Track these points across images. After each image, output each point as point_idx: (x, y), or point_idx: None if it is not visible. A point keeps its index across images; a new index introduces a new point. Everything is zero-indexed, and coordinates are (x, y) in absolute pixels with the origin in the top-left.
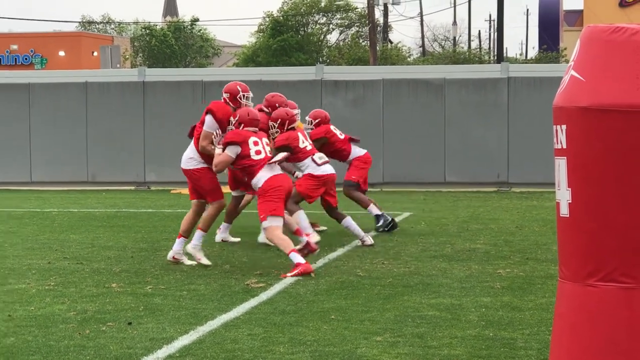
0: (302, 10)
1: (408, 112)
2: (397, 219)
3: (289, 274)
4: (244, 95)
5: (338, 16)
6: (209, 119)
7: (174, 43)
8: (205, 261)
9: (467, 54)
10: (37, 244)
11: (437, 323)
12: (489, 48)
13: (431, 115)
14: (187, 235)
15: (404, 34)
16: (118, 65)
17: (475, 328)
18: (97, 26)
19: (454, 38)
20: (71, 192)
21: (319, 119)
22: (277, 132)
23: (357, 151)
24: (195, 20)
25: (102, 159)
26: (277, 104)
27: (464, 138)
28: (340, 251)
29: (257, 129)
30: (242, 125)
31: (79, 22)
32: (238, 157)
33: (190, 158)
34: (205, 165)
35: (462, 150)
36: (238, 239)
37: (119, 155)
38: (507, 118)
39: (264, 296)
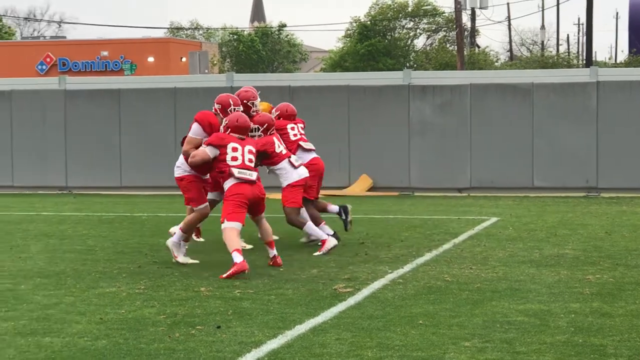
0: (389, 15)
1: (496, 117)
2: (484, 224)
3: (224, 275)
4: (234, 109)
5: (425, 21)
6: (195, 126)
7: (261, 48)
8: (182, 259)
9: (555, 58)
10: (128, 248)
11: (526, 329)
12: (578, 52)
13: (519, 119)
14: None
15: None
16: (206, 71)
17: (565, 334)
18: (185, 32)
19: (542, 42)
20: (159, 196)
21: (266, 124)
22: (259, 135)
23: (305, 157)
24: (282, 26)
25: None
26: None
27: (552, 143)
28: (427, 256)
29: (244, 136)
30: (229, 130)
31: (168, 28)
32: (215, 159)
33: (177, 167)
34: (192, 173)
35: (550, 155)
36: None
37: None
38: (596, 122)
39: (351, 301)
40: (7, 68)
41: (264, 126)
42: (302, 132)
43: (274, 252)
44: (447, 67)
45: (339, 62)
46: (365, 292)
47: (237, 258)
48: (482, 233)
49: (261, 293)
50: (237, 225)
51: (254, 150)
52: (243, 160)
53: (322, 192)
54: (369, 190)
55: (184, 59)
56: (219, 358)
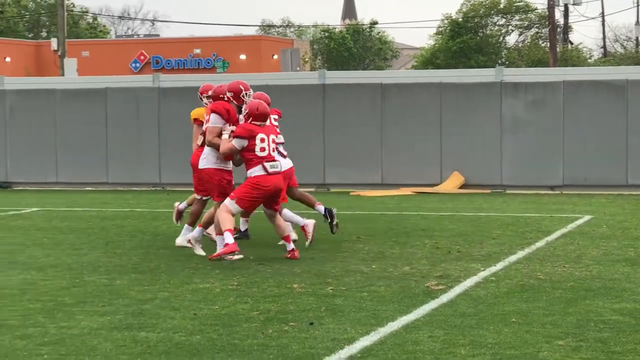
0: (481, 11)
1: (589, 114)
2: (577, 222)
3: (214, 255)
4: (246, 94)
5: (517, 17)
6: (214, 116)
7: (353, 46)
8: (200, 252)
9: None
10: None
11: (621, 328)
12: None
13: (613, 116)
14: (207, 226)
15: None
16: (298, 68)
17: None
18: (277, 30)
19: (637, 38)
20: None
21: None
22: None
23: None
24: (374, 23)
25: None
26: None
27: None
28: (520, 254)
29: (264, 122)
30: (251, 118)
31: (259, 26)
32: (244, 149)
33: (203, 158)
34: (216, 167)
35: None
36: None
37: (299, 157)
38: None
39: (444, 298)
40: (102, 66)
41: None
42: (276, 123)
43: (291, 245)
44: (540, 64)
45: (430, 59)
46: (458, 289)
47: (229, 239)
48: (575, 231)
49: (353, 290)
50: (238, 211)
51: (276, 139)
52: (269, 151)
53: (415, 189)
54: (461, 187)
55: (275, 57)
56: (311, 354)
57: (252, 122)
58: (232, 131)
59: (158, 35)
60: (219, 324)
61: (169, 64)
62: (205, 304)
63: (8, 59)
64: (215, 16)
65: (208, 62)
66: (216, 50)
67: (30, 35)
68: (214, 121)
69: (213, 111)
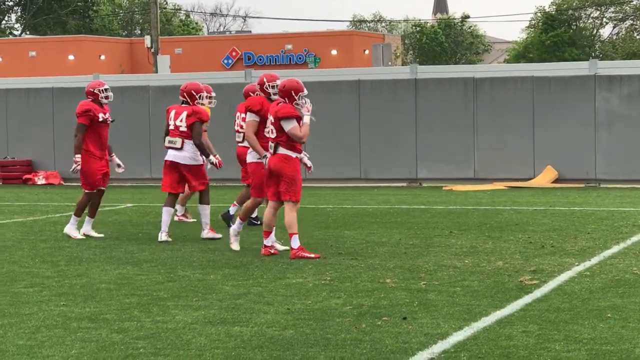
0: (574, 4)
1: None
2: None
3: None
4: (269, 85)
5: (612, 9)
6: (251, 113)
7: (444, 40)
8: (235, 247)
9: None
10: (313, 239)
11: None
12: None
13: None
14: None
15: None
16: (390, 63)
17: None
18: (368, 25)
19: None
20: (344, 188)
21: None
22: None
23: None
24: (465, 17)
25: (374, 156)
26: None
27: None
28: (615, 249)
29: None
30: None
31: (350, 21)
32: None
33: (250, 152)
34: (260, 161)
35: None
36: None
37: (392, 152)
38: None
39: (537, 293)
40: (194, 63)
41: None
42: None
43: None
44: (635, 56)
45: (522, 53)
46: (552, 284)
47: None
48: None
49: (446, 285)
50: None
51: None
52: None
53: (508, 183)
54: (554, 182)
55: (367, 52)
56: (405, 349)
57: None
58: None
59: (250, 31)
60: (312, 318)
61: (260, 60)
62: (299, 298)
63: (103, 57)
64: (306, 12)
65: (300, 58)
66: (308, 46)
67: (124, 33)
68: (252, 117)
69: (249, 107)
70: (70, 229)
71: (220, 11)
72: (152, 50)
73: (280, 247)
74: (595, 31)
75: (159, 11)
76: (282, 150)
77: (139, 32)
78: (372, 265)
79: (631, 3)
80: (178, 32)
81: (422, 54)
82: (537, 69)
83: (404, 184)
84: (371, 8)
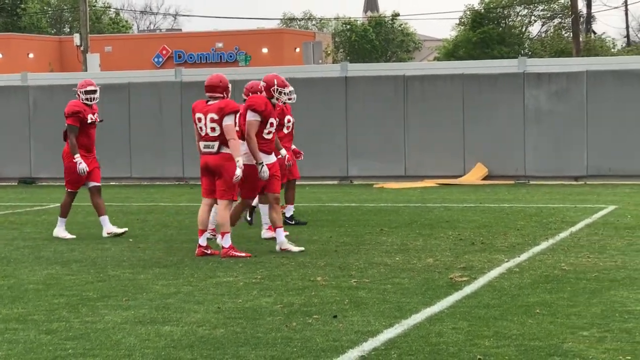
0: (503, 2)
1: (613, 104)
2: (601, 213)
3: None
4: (277, 89)
5: (540, 7)
6: (251, 113)
7: (375, 38)
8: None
9: None
10: (244, 238)
11: None
12: None
13: (637, 106)
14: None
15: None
16: (320, 61)
17: None
18: (298, 23)
19: None
20: None
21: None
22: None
23: None
24: (396, 15)
25: (305, 154)
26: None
27: None
28: (544, 245)
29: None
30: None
31: (281, 19)
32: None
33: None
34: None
35: None
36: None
37: (322, 150)
38: None
39: (467, 290)
40: (124, 61)
41: None
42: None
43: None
44: (563, 54)
45: (452, 51)
46: (481, 280)
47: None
48: (599, 221)
49: (377, 282)
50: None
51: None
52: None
53: (438, 180)
54: (484, 178)
55: (297, 50)
56: (335, 347)
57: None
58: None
59: (180, 29)
60: (242, 317)
61: (191, 58)
62: (229, 297)
63: (31, 55)
64: (237, 10)
65: (230, 56)
66: (238, 44)
67: (53, 31)
68: (254, 116)
69: (252, 106)
70: (59, 231)
71: (150, 9)
72: (82, 48)
73: (294, 249)
74: (524, 29)
75: (88, 9)
76: (225, 150)
77: (68, 30)
78: (302, 264)
79: (559, 1)
80: (108, 30)
81: (352, 52)
82: (467, 66)
83: (335, 182)
84: (302, 6)
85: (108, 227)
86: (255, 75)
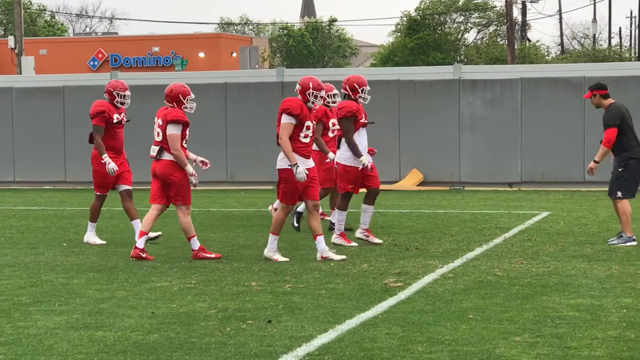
0: (439, 9)
1: (547, 111)
2: (535, 219)
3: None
4: (312, 93)
5: (476, 15)
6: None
7: (312, 43)
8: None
9: (607, 51)
10: (179, 242)
11: (577, 324)
12: (630, 45)
13: (570, 114)
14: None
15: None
16: (257, 66)
17: (617, 329)
18: (235, 27)
19: (594, 35)
20: (210, 191)
21: None
22: None
23: None
24: (333, 21)
25: (241, 159)
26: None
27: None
28: (478, 251)
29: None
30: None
31: (218, 24)
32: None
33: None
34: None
35: None
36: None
37: (258, 154)
38: None
39: (402, 295)
40: (60, 64)
41: None
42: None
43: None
44: (498, 61)
45: (389, 57)
46: (416, 286)
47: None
48: (532, 227)
49: (312, 288)
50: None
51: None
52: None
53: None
54: (419, 184)
55: (234, 54)
56: (269, 352)
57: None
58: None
59: (116, 33)
60: (176, 322)
61: (127, 62)
62: (163, 302)
63: None
64: (174, 14)
65: (167, 60)
66: (175, 49)
67: None
68: (289, 119)
69: (290, 109)
70: (89, 237)
71: (86, 12)
72: (16, 51)
73: (336, 257)
74: (460, 36)
75: (22, 12)
76: (167, 156)
77: (2, 32)
78: (237, 269)
79: (494, 8)
80: (43, 33)
81: (289, 57)
82: (403, 72)
83: (270, 187)
84: (239, 11)
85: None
86: (192, 79)
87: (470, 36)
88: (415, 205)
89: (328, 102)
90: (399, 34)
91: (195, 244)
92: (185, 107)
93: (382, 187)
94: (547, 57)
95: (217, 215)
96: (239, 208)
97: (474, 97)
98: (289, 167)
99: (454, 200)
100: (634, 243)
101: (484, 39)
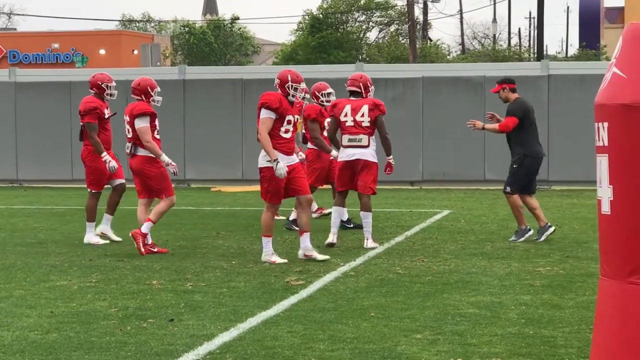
0: (341, 8)
1: (448, 110)
2: (436, 217)
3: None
4: (291, 86)
5: (377, 14)
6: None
7: (213, 41)
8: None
9: (506, 51)
10: (79, 241)
11: (477, 321)
12: (529, 46)
13: (471, 113)
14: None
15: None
16: (158, 64)
17: (515, 326)
18: (137, 24)
19: (494, 36)
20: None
21: None
22: None
23: None
24: (235, 19)
25: None
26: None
27: (504, 136)
28: (380, 249)
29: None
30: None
31: (119, 21)
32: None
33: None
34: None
35: (501, 148)
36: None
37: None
38: (547, 116)
39: (303, 293)
40: None
41: None
42: None
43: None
44: (399, 60)
45: (290, 55)
46: (317, 284)
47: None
48: (433, 226)
49: (213, 286)
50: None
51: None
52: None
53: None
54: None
55: (135, 52)
56: (170, 351)
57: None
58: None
59: (15, 29)
60: (76, 321)
61: (26, 58)
62: (63, 301)
63: None
64: (74, 10)
65: (67, 57)
66: (75, 45)
67: None
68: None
69: (268, 103)
70: (90, 238)
71: None
72: None
73: (319, 257)
74: (362, 35)
75: None
76: (141, 152)
77: None
78: (138, 267)
79: (396, 8)
80: None
81: (191, 54)
82: (305, 70)
83: (173, 185)
84: (140, 8)
85: (104, 227)
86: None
87: (372, 35)
88: (318, 203)
89: (322, 101)
90: (301, 32)
91: (146, 227)
92: (153, 100)
93: None
94: (448, 57)
95: (118, 214)
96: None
97: (376, 96)
98: (270, 165)
99: (356, 198)
100: (531, 232)
101: (386, 38)
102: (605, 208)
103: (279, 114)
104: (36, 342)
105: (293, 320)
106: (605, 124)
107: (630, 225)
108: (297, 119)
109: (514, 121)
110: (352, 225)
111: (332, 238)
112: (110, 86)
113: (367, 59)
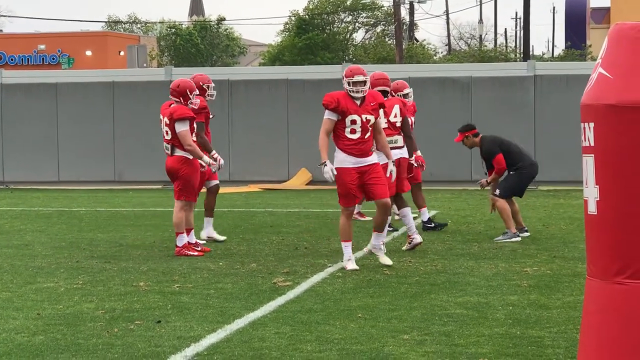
0: (327, 8)
1: (434, 111)
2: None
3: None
4: (346, 81)
5: (364, 15)
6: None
7: (200, 42)
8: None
9: (493, 52)
10: (65, 242)
11: (464, 321)
12: (515, 46)
13: (457, 113)
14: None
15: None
16: (145, 65)
17: (503, 326)
18: (123, 26)
19: (480, 36)
20: (98, 191)
21: None
22: None
23: None
24: (221, 20)
25: (129, 158)
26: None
27: None
28: (367, 249)
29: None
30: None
31: (106, 22)
32: None
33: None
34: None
35: None
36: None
37: (146, 154)
38: (533, 116)
39: (291, 294)
40: None
41: None
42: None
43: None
44: (386, 60)
45: (277, 56)
46: (305, 285)
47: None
48: (420, 226)
49: (200, 287)
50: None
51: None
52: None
53: (263, 185)
54: (308, 184)
55: (122, 53)
56: (157, 353)
57: None
58: None
59: (1, 30)
60: (63, 323)
61: (12, 59)
62: (49, 303)
63: None
64: (60, 12)
65: (53, 58)
66: (61, 46)
67: None
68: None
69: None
70: (209, 232)
71: None
72: None
73: (385, 260)
74: (348, 35)
75: None
76: (178, 152)
77: None
78: (125, 269)
79: (382, 8)
80: None
81: (177, 56)
82: (292, 71)
83: (159, 187)
84: (127, 9)
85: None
86: (79, 78)
87: (359, 36)
88: (304, 204)
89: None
90: (287, 33)
91: (182, 240)
92: (191, 102)
93: (271, 186)
94: (434, 57)
95: (104, 215)
96: (127, 207)
97: None
98: (340, 167)
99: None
100: (518, 239)
101: (372, 39)
102: (592, 208)
103: (339, 114)
104: (23, 345)
105: (280, 322)
106: (592, 124)
107: (616, 225)
108: (366, 118)
109: (500, 157)
110: (433, 225)
111: (417, 239)
112: (210, 86)
113: (354, 59)
